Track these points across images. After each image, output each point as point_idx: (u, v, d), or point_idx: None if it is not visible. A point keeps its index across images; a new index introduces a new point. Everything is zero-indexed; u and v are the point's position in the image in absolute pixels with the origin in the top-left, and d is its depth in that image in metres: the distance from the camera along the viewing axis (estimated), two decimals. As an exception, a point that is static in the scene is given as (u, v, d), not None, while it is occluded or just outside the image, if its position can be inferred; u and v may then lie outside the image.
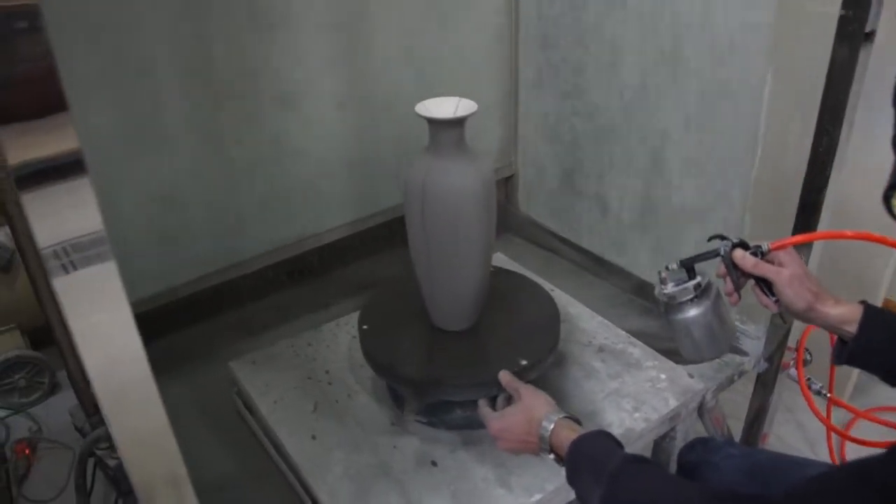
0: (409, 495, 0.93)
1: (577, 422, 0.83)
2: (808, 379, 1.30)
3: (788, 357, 1.24)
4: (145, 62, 1.10)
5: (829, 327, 0.85)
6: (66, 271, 0.42)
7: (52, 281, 0.42)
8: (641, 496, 0.71)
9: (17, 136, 0.40)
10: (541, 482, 0.93)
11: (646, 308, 1.37)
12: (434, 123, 0.92)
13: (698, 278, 0.90)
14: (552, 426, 0.81)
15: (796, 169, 1.04)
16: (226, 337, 1.33)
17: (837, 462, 1.44)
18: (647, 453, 1.17)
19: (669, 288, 0.90)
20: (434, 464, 0.98)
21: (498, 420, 0.89)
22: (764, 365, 1.23)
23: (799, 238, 0.91)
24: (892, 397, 1.58)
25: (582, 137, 1.44)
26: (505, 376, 0.93)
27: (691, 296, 0.89)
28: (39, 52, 0.40)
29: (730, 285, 0.89)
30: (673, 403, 1.06)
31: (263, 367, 1.16)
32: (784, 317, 1.16)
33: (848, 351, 0.83)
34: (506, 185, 1.68)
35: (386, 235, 1.53)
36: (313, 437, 1.02)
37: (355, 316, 1.17)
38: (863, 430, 1.46)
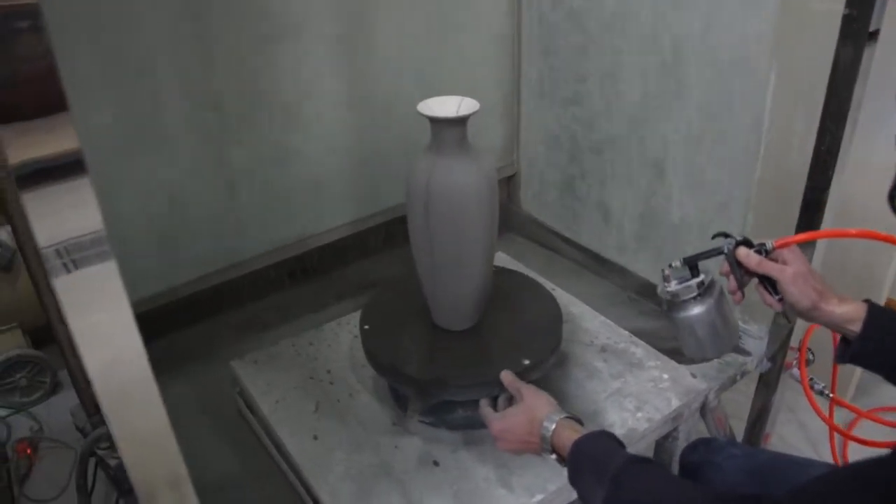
0: (410, 495, 0.93)
1: (579, 422, 0.83)
2: (811, 379, 1.30)
3: (791, 357, 1.24)
4: (145, 62, 1.10)
5: (833, 326, 0.85)
6: (67, 271, 0.42)
7: (52, 281, 0.42)
8: (644, 497, 0.71)
9: (18, 135, 0.40)
10: (542, 482, 0.93)
11: (647, 308, 1.37)
12: (437, 122, 0.92)
13: (702, 276, 0.89)
14: (554, 426, 0.81)
15: (799, 168, 1.04)
16: (226, 337, 1.33)
17: (840, 462, 1.44)
18: (649, 453, 1.16)
19: (673, 286, 0.90)
20: (436, 464, 0.98)
21: (499, 420, 0.89)
22: (766, 365, 1.22)
23: (803, 236, 0.90)
24: (894, 397, 1.57)
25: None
26: (507, 376, 0.93)
27: (694, 294, 0.89)
28: (40, 51, 0.39)
29: (733, 283, 0.89)
30: (675, 403, 1.06)
31: (265, 366, 1.16)
32: (788, 315, 1.16)
33: (852, 350, 0.83)
34: (508, 184, 1.68)
35: (386, 235, 1.53)
36: (315, 437, 1.02)
37: (356, 315, 1.17)
38: (865, 430, 1.45)
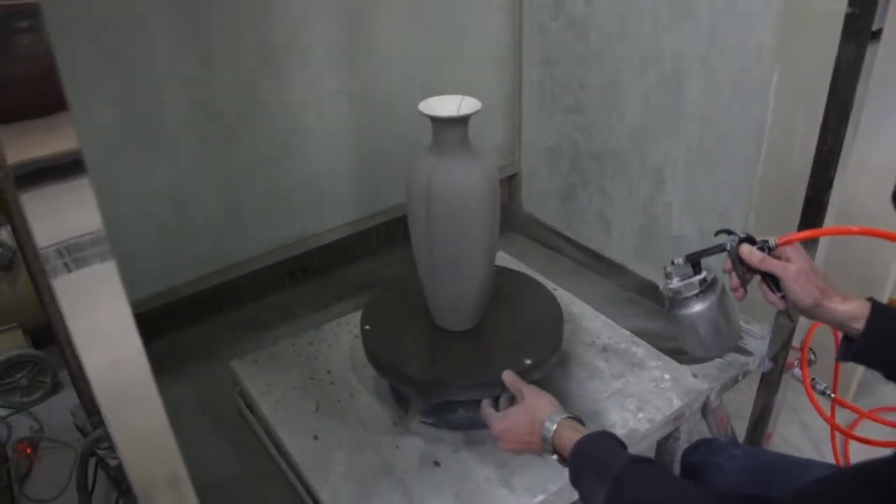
0: (411, 495, 0.92)
1: (581, 422, 0.83)
2: (813, 379, 1.29)
3: (793, 357, 1.23)
4: (145, 62, 1.10)
5: (836, 324, 0.84)
6: (66, 271, 0.42)
7: (51, 281, 0.42)
8: (645, 497, 0.71)
9: (17, 135, 0.40)
10: (543, 483, 0.93)
11: (649, 307, 1.37)
12: (438, 122, 0.92)
13: (704, 273, 0.89)
14: (555, 427, 0.81)
15: (801, 168, 1.04)
16: (226, 337, 1.33)
17: (842, 462, 1.44)
18: (651, 454, 1.16)
19: (675, 283, 0.89)
20: (437, 464, 0.97)
21: (501, 420, 0.89)
22: (768, 365, 1.22)
23: (806, 233, 0.90)
24: (895, 397, 1.57)
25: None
26: (508, 376, 0.93)
27: (696, 291, 0.88)
28: (39, 51, 0.39)
29: (736, 281, 0.88)
30: (677, 404, 1.05)
31: (265, 366, 1.15)
32: (790, 313, 1.16)
33: (854, 348, 0.82)
34: (509, 183, 1.67)
35: (387, 235, 1.53)
36: (315, 437, 1.02)
37: (357, 315, 1.17)
38: (867, 430, 1.45)
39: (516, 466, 0.95)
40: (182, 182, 1.22)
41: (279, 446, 1.04)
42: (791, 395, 1.36)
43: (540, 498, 0.91)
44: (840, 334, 0.87)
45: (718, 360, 1.17)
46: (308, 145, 1.33)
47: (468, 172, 0.93)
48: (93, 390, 0.46)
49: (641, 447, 1.03)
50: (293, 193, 1.36)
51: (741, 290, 0.89)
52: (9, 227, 1.51)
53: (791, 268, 0.84)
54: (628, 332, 1.21)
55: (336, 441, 1.01)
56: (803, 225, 1.07)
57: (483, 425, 0.93)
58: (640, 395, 1.07)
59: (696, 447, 1.03)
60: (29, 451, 1.49)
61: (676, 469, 1.07)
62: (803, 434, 1.53)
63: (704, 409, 1.13)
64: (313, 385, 1.12)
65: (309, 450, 1.00)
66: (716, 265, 0.91)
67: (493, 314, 1.08)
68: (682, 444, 1.10)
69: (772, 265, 0.85)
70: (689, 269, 0.90)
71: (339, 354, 1.18)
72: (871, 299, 0.83)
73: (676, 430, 1.09)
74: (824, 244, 1.10)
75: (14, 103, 0.40)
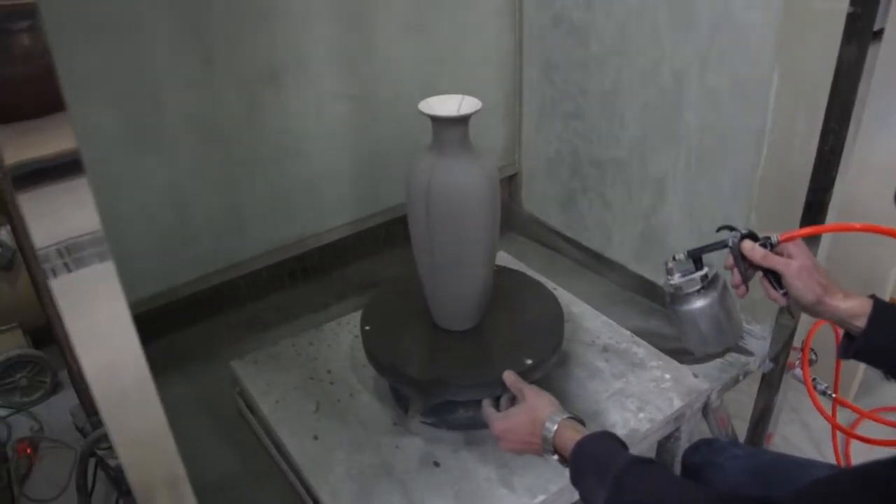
0: (411, 496, 0.92)
1: (582, 422, 0.83)
2: (814, 379, 1.29)
3: (794, 357, 1.23)
4: (145, 62, 1.10)
5: (838, 321, 0.84)
6: (63, 272, 0.42)
7: (49, 281, 0.41)
8: (646, 497, 0.70)
9: (15, 135, 0.39)
10: (544, 483, 0.93)
11: (650, 307, 1.36)
12: (438, 121, 0.92)
13: (705, 269, 0.89)
14: (556, 427, 0.81)
15: (802, 168, 1.04)
16: (226, 337, 1.33)
17: (843, 462, 1.44)
18: (651, 454, 1.16)
19: (676, 278, 0.89)
20: (437, 464, 0.97)
21: (501, 420, 0.88)
22: (769, 365, 1.22)
23: (808, 230, 0.90)
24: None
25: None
26: (509, 377, 0.93)
27: (698, 287, 0.88)
28: (37, 51, 0.39)
29: (737, 277, 0.88)
30: (678, 404, 1.05)
31: (265, 366, 1.15)
32: (792, 310, 1.15)
33: (856, 346, 0.82)
34: (509, 183, 1.67)
35: (386, 235, 1.53)
36: (315, 437, 1.01)
37: (357, 315, 1.16)
38: (868, 430, 1.45)
39: (517, 467, 0.95)
40: (182, 182, 1.22)
41: (279, 446, 1.04)
42: (792, 395, 1.36)
43: (540, 498, 0.91)
44: (840, 332, 0.87)
45: (719, 360, 1.17)
46: (308, 145, 1.33)
47: (468, 172, 0.93)
48: (91, 392, 0.45)
49: (642, 447, 1.03)
50: (293, 193, 1.36)
51: (743, 287, 0.88)
52: (9, 227, 1.51)
53: (793, 264, 0.83)
54: (629, 332, 1.21)
55: (336, 441, 1.01)
56: (804, 225, 1.07)
57: (483, 425, 0.93)
58: (641, 395, 1.07)
59: (697, 447, 1.02)
60: (29, 451, 1.49)
61: (677, 469, 1.07)
62: (804, 434, 1.53)
63: (705, 409, 1.12)
64: (313, 385, 1.12)
65: (309, 450, 1.00)
66: (717, 262, 0.90)
67: (493, 314, 1.08)
68: (683, 445, 1.10)
69: (774, 262, 0.85)
70: (691, 265, 0.89)
71: (339, 354, 1.18)
72: (873, 297, 0.83)
73: (677, 430, 1.09)
74: (825, 244, 1.10)
75: (11, 103, 0.40)
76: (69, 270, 0.42)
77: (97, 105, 1.07)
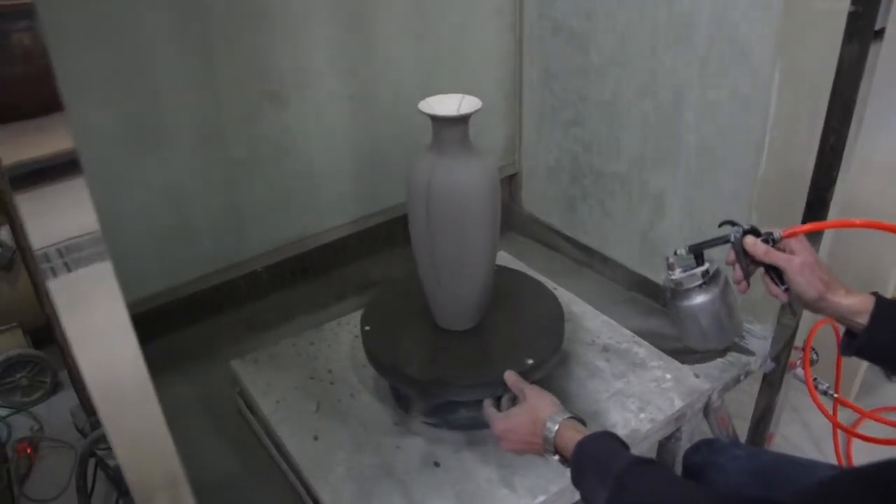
0: (412, 496, 0.92)
1: (582, 422, 0.83)
2: (815, 379, 1.29)
3: (795, 357, 1.23)
4: (145, 62, 1.10)
5: (840, 318, 0.84)
6: (62, 272, 0.42)
7: (47, 282, 0.41)
8: (647, 498, 0.70)
9: (13, 136, 0.39)
10: (545, 483, 0.93)
11: (650, 307, 1.36)
12: (438, 121, 0.91)
13: (707, 265, 0.88)
14: (557, 427, 0.81)
15: (804, 167, 1.03)
16: (226, 337, 1.32)
17: (844, 462, 1.43)
18: (652, 454, 1.16)
19: (677, 274, 0.88)
20: (437, 464, 0.97)
21: (502, 420, 0.88)
22: (770, 365, 1.22)
23: (810, 226, 0.89)
24: (897, 397, 1.57)
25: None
26: (510, 377, 0.93)
27: (699, 282, 0.88)
28: (35, 51, 0.39)
29: (739, 273, 0.87)
30: (678, 404, 1.05)
31: (265, 366, 1.15)
32: (793, 307, 1.15)
33: (858, 343, 0.82)
34: (509, 183, 1.67)
35: (387, 235, 1.53)
36: (315, 438, 1.01)
37: (357, 315, 1.16)
38: (868, 431, 1.45)
39: (518, 467, 0.95)
40: (182, 182, 1.21)
41: (279, 446, 1.04)
42: (793, 394, 1.36)
43: (541, 498, 0.91)
44: (840, 331, 0.86)
45: (720, 360, 1.17)
46: (308, 145, 1.33)
47: (468, 172, 0.93)
48: (89, 392, 0.45)
49: (643, 447, 1.03)
50: (293, 193, 1.35)
51: (744, 283, 0.88)
52: (8, 227, 1.51)
53: (795, 260, 0.83)
54: (629, 332, 1.21)
55: (336, 441, 1.01)
56: (806, 223, 1.07)
57: (484, 425, 0.93)
58: (642, 395, 1.07)
59: (698, 447, 1.02)
60: (29, 451, 1.49)
61: (678, 469, 1.07)
62: (805, 434, 1.52)
63: (706, 410, 1.12)
64: (314, 385, 1.11)
65: (309, 450, 0.99)
66: (719, 257, 0.90)
67: (493, 314, 1.08)
68: (684, 445, 1.10)
69: (776, 257, 0.84)
70: (692, 261, 0.89)
71: (339, 354, 1.18)
72: (875, 294, 0.82)
73: (678, 430, 1.09)
74: (827, 242, 1.10)
75: (9, 103, 0.40)
76: (67, 271, 0.42)
77: (97, 105, 1.07)
